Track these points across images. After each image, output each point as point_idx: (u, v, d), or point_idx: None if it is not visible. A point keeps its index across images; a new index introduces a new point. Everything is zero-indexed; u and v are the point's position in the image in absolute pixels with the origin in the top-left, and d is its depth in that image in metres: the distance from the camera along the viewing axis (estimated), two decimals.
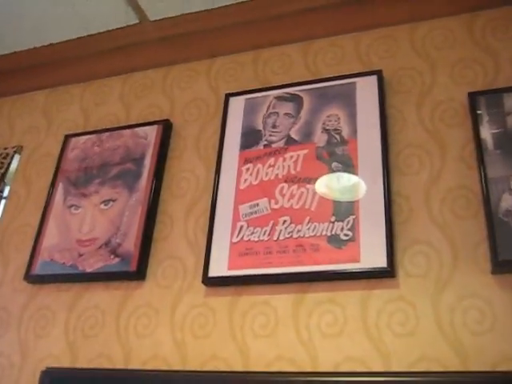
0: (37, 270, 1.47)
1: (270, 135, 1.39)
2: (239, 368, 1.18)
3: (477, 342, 1.08)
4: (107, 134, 1.63)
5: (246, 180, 1.36)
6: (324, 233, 1.22)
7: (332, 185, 1.26)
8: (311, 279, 1.20)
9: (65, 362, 1.36)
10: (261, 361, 1.18)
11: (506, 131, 1.20)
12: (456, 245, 1.15)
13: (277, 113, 1.42)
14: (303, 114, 1.39)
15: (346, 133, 1.32)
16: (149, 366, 1.27)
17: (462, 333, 1.09)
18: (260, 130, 1.42)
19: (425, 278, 1.14)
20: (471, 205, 1.18)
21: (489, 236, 1.10)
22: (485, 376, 1.02)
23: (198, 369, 1.22)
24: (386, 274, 1.15)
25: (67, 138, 1.69)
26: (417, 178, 1.25)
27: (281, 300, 1.22)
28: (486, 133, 1.21)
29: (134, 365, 1.27)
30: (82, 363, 1.34)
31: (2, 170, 1.72)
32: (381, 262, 1.15)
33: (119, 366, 1.28)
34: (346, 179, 1.27)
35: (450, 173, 1.23)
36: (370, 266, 1.16)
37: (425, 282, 1.13)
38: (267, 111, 1.43)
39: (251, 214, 1.30)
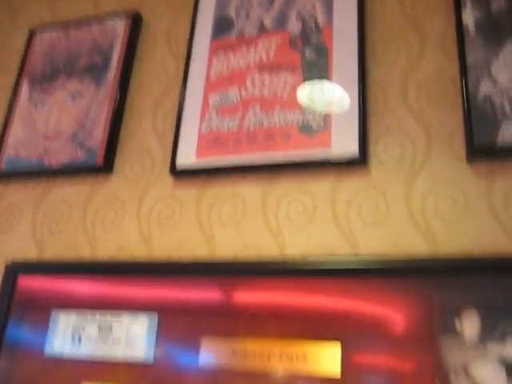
0: (2, 166, 1.41)
1: (243, 24, 1.30)
2: (206, 257, 1.13)
3: (448, 230, 1.05)
4: (74, 26, 1.52)
5: (216, 69, 1.29)
6: (295, 121, 1.16)
7: (305, 73, 1.19)
8: (281, 168, 1.16)
9: (32, 258, 1.34)
10: (228, 250, 1.16)
11: (490, 16, 1.12)
12: (431, 133, 1.11)
13: (250, 1, 1.32)
14: (277, 1, 1.30)
15: (321, 20, 1.25)
16: (115, 259, 1.22)
17: (434, 221, 1.06)
18: (232, 19, 1.33)
19: (397, 166, 1.10)
20: (449, 94, 1.13)
21: (465, 122, 1.06)
22: (454, 261, 1.01)
23: (165, 260, 1.17)
24: (358, 162, 1.11)
25: (32, 32, 1.58)
26: (394, 67, 1.18)
27: (249, 190, 1.18)
28: (468, 18, 1.14)
29: (101, 258, 1.22)
30: (49, 257, 1.31)
31: None
32: (352, 149, 1.10)
33: (86, 259, 1.23)
34: (318, 68, 1.18)
35: (429, 61, 1.17)
36: (341, 153, 1.10)
37: (397, 170, 1.09)
38: None
39: (221, 103, 1.24)
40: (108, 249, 1.24)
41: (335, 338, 1.02)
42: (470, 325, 0.96)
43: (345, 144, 1.12)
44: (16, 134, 1.45)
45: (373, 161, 1.12)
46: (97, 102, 1.39)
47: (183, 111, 1.28)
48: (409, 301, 1.01)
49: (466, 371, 0.93)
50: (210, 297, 1.12)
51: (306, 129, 1.15)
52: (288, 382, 1.03)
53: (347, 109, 1.14)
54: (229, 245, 1.14)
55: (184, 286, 1.15)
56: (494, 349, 0.93)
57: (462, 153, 1.06)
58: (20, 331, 1.24)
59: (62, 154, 1.37)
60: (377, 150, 1.12)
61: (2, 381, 1.19)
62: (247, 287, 1.10)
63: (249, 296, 1.10)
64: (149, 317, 1.14)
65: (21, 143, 1.43)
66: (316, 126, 1.15)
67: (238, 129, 1.21)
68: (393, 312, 1.00)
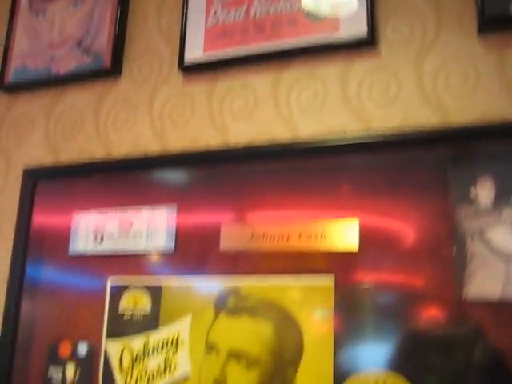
0: (10, 77, 1.41)
1: None
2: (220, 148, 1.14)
3: (460, 103, 1.05)
4: None
5: None
6: (302, 7, 1.13)
7: None
8: (290, 55, 1.15)
9: (48, 164, 1.36)
10: (241, 140, 1.17)
11: None
12: (441, 10, 1.08)
13: None
14: None
15: None
16: (130, 157, 1.27)
17: (446, 96, 1.06)
18: None
19: (407, 45, 1.09)
20: None
21: None
22: (467, 129, 1.03)
23: (179, 152, 1.22)
24: (367, 43, 1.10)
25: None
26: None
27: (259, 80, 1.19)
28: None
29: (116, 157, 1.24)
30: (65, 162, 1.34)
31: None
32: (361, 31, 1.08)
33: (102, 160, 1.25)
34: None
35: None
36: (350, 35, 1.09)
37: (407, 48, 1.08)
38: None
39: None
40: (122, 149, 1.25)
41: (353, 215, 1.03)
42: (485, 192, 0.98)
43: (353, 26, 1.11)
44: (20, 45, 1.44)
45: (382, 41, 1.11)
46: (99, 5, 1.37)
47: (188, 7, 1.25)
48: (424, 173, 1.02)
49: (481, 235, 0.95)
50: (227, 185, 1.14)
51: (312, 14, 1.13)
52: (307, 258, 1.05)
53: None
54: (242, 135, 1.15)
55: (200, 176, 1.17)
56: (509, 214, 0.95)
57: (473, 27, 1.05)
58: (43, 236, 1.26)
59: (68, 60, 1.37)
60: (386, 31, 1.11)
61: (30, 274, 1.23)
62: (262, 172, 1.12)
63: (265, 181, 1.11)
64: (168, 209, 1.16)
65: (26, 54, 1.42)
66: (323, 10, 1.13)
67: (244, 19, 1.19)
68: (408, 187, 1.02)
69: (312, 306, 1.02)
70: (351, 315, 1.01)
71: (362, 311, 1.01)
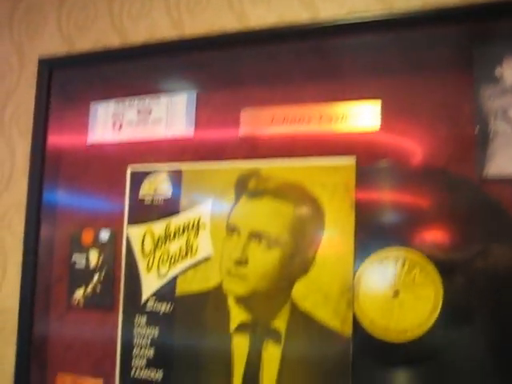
0: None
1: None
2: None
3: None
4: None
5: None
6: None
7: None
8: None
9: (63, 53, 1.34)
10: (260, 23, 1.15)
11: None
12: None
13: None
14: None
15: None
16: (147, 43, 1.25)
17: None
18: None
19: None
20: None
21: None
22: (492, 5, 0.98)
23: (197, 36, 1.19)
24: None
25: None
26: None
27: None
28: None
29: (132, 44, 1.20)
30: (80, 51, 1.32)
31: None
32: None
33: (118, 48, 1.22)
34: None
35: None
36: None
37: None
38: None
39: None
40: (138, 37, 1.22)
41: (375, 97, 1.01)
42: (510, 72, 0.94)
43: None
44: None
45: None
46: None
47: None
48: (447, 52, 0.99)
49: (505, 115, 0.93)
50: (247, 69, 1.11)
51: None
52: (328, 140, 1.03)
53: None
54: (262, 19, 1.12)
55: (220, 61, 1.14)
56: None
57: None
58: (61, 127, 1.25)
59: None
60: None
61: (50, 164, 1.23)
62: (282, 55, 1.09)
63: (285, 64, 1.09)
64: (187, 95, 1.14)
65: None
66: None
67: None
68: (431, 66, 0.99)
69: (333, 186, 1.01)
70: (372, 195, 1.00)
71: (383, 190, 0.99)
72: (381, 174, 1.02)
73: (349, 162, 1.01)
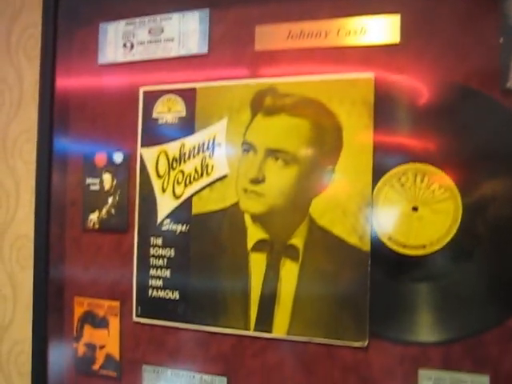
0: None
1: None
2: None
3: None
4: None
5: None
6: None
7: None
8: None
9: None
10: None
11: None
12: None
13: None
14: None
15: None
16: None
17: None
18: None
19: None
20: None
21: None
22: None
23: None
24: None
25: None
26: None
27: None
28: None
29: None
30: None
31: None
32: None
33: None
34: None
35: None
36: None
37: None
38: None
39: None
40: None
41: (395, 11, 0.97)
42: None
43: None
44: None
45: None
46: None
47: None
48: None
49: None
50: None
51: None
52: (346, 54, 1.00)
53: None
54: None
55: None
56: None
57: None
58: (70, 47, 1.22)
59: None
60: None
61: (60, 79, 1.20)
62: None
63: None
64: (200, 12, 1.11)
65: None
66: None
67: None
68: None
69: (351, 101, 0.99)
70: (391, 111, 0.98)
71: (402, 106, 0.97)
72: (399, 90, 0.98)
73: (367, 76, 0.98)
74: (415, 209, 0.96)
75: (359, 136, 0.99)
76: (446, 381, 0.93)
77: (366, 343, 0.98)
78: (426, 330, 0.95)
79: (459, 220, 0.93)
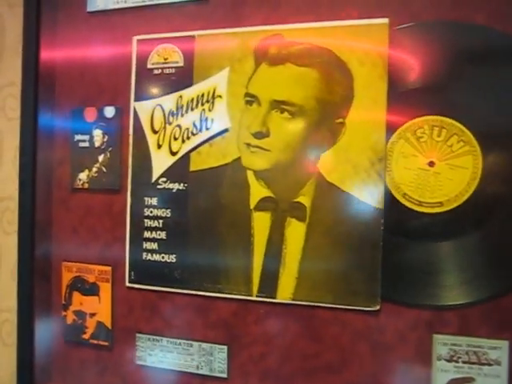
0: None
1: None
2: None
3: None
4: None
5: None
6: None
7: None
8: None
9: None
10: None
11: None
12: None
13: None
14: None
15: None
16: None
17: None
18: None
19: None
20: None
21: None
22: None
23: None
24: None
25: None
26: None
27: None
28: None
29: None
30: None
31: None
32: None
33: None
34: None
35: None
36: None
37: None
38: None
39: None
40: None
41: None
42: None
43: None
44: None
45: None
46: None
47: None
48: None
49: None
50: None
51: None
52: None
53: None
54: None
55: None
56: None
57: None
58: None
59: None
60: None
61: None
62: None
63: None
64: None
65: None
66: None
67: None
68: None
69: (364, 49, 0.91)
70: (407, 59, 0.90)
71: (419, 54, 0.91)
72: (416, 36, 0.90)
73: (381, 22, 0.89)
74: (431, 164, 0.89)
75: (372, 86, 0.92)
76: (461, 346, 0.87)
77: (378, 307, 0.89)
78: (441, 292, 0.88)
79: (479, 176, 0.85)
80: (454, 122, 0.87)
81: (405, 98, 0.91)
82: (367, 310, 0.92)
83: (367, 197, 0.91)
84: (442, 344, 0.88)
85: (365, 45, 0.92)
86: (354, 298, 0.93)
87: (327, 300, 0.94)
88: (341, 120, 0.92)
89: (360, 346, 0.93)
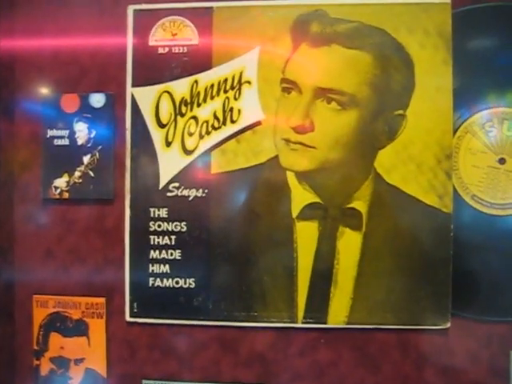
0: None
1: None
2: None
3: None
4: None
5: None
6: None
7: None
8: None
9: None
10: None
11: None
12: None
13: None
14: None
15: None
16: None
17: None
18: None
19: None
20: None
21: None
22: None
23: None
24: None
25: None
26: None
27: None
28: None
29: None
30: None
31: None
32: None
33: None
34: None
35: None
36: None
37: None
38: None
39: None
40: None
41: None
42: None
43: None
44: None
45: None
46: None
47: None
48: None
49: None
50: None
51: None
52: None
53: None
54: None
55: None
56: None
57: None
58: None
59: None
60: None
61: None
62: None
63: None
64: None
65: None
66: None
67: None
68: None
69: (424, 30, 0.78)
70: (474, 43, 0.79)
71: (487, 35, 0.80)
72: (480, 18, 0.78)
73: (443, 2, 0.76)
74: (502, 161, 0.77)
75: (435, 73, 0.80)
76: None
77: (449, 324, 0.76)
78: None
79: None
80: None
81: (473, 86, 0.77)
82: (435, 329, 0.77)
83: (434, 200, 0.77)
84: None
85: (425, 26, 0.79)
86: (420, 317, 0.79)
87: (388, 321, 0.79)
88: (400, 112, 0.78)
89: (427, 371, 0.79)
